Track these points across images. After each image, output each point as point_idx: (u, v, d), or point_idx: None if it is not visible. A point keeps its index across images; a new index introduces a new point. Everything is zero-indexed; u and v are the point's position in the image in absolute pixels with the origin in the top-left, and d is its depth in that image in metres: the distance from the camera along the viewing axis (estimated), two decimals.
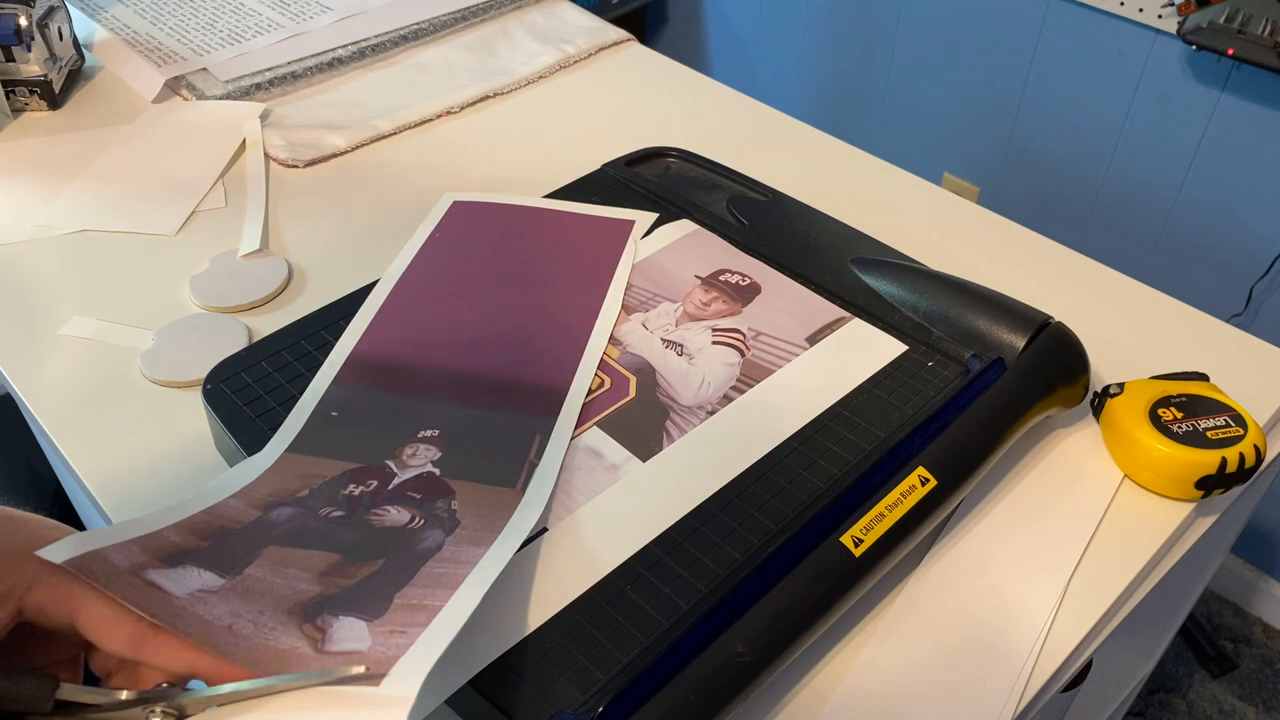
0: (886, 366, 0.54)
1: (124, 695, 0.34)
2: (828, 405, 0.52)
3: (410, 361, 0.54)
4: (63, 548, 0.36)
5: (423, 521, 0.44)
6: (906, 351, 0.55)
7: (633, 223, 0.64)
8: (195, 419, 0.55)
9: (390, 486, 0.47)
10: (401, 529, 0.44)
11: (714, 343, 0.56)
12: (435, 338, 0.56)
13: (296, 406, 0.51)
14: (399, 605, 0.38)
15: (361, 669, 0.33)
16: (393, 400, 0.52)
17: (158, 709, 0.34)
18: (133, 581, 0.37)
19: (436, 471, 0.48)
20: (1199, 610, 1.52)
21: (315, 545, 0.42)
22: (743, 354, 0.55)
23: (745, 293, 0.59)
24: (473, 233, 0.64)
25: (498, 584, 0.44)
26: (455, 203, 0.66)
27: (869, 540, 0.45)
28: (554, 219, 0.65)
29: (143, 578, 0.37)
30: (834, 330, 0.56)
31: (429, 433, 0.50)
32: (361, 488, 0.46)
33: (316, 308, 0.59)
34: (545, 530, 0.46)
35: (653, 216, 0.65)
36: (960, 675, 0.45)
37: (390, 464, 0.48)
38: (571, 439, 0.50)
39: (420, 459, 0.48)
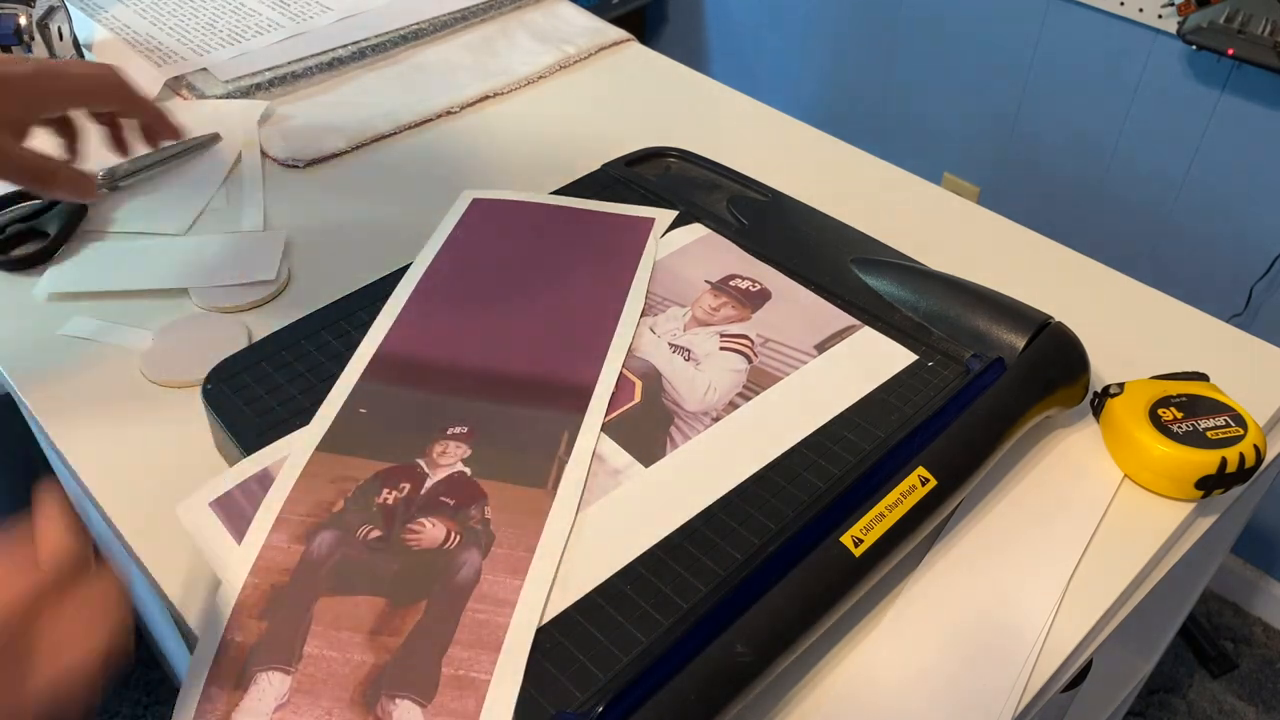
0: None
1: None
2: (833, 415, 0.52)
3: (436, 358, 0.55)
4: None
5: (458, 539, 0.45)
6: (914, 360, 0.55)
7: (653, 220, 0.64)
8: (195, 419, 0.55)
9: (423, 491, 0.47)
10: (438, 550, 0.45)
11: (722, 348, 0.56)
12: (460, 334, 0.56)
13: (325, 402, 0.52)
14: (448, 677, 0.40)
15: None
16: (421, 396, 0.52)
17: None
18: None
19: (467, 471, 0.48)
20: (1199, 610, 1.52)
21: (361, 588, 0.43)
22: (750, 360, 0.55)
23: (755, 299, 0.59)
24: (493, 230, 0.64)
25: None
26: (475, 200, 0.66)
27: (869, 540, 0.45)
28: (574, 216, 0.65)
29: None
30: (843, 338, 0.56)
31: (458, 429, 0.50)
32: (395, 493, 0.47)
33: (316, 308, 0.59)
34: None
35: (672, 214, 0.65)
36: (960, 675, 0.45)
37: (421, 463, 0.48)
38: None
39: (450, 457, 0.49)
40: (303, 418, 0.51)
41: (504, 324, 0.57)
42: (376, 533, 0.45)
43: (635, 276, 0.60)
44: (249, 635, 0.42)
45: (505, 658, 0.41)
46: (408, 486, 0.47)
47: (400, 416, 0.51)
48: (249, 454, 0.49)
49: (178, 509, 0.48)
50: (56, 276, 0.65)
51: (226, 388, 0.53)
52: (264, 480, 0.48)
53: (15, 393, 0.59)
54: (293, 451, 0.49)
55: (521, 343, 0.56)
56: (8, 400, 0.64)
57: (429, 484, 0.48)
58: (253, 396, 0.52)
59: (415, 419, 0.51)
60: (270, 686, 0.40)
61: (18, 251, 0.67)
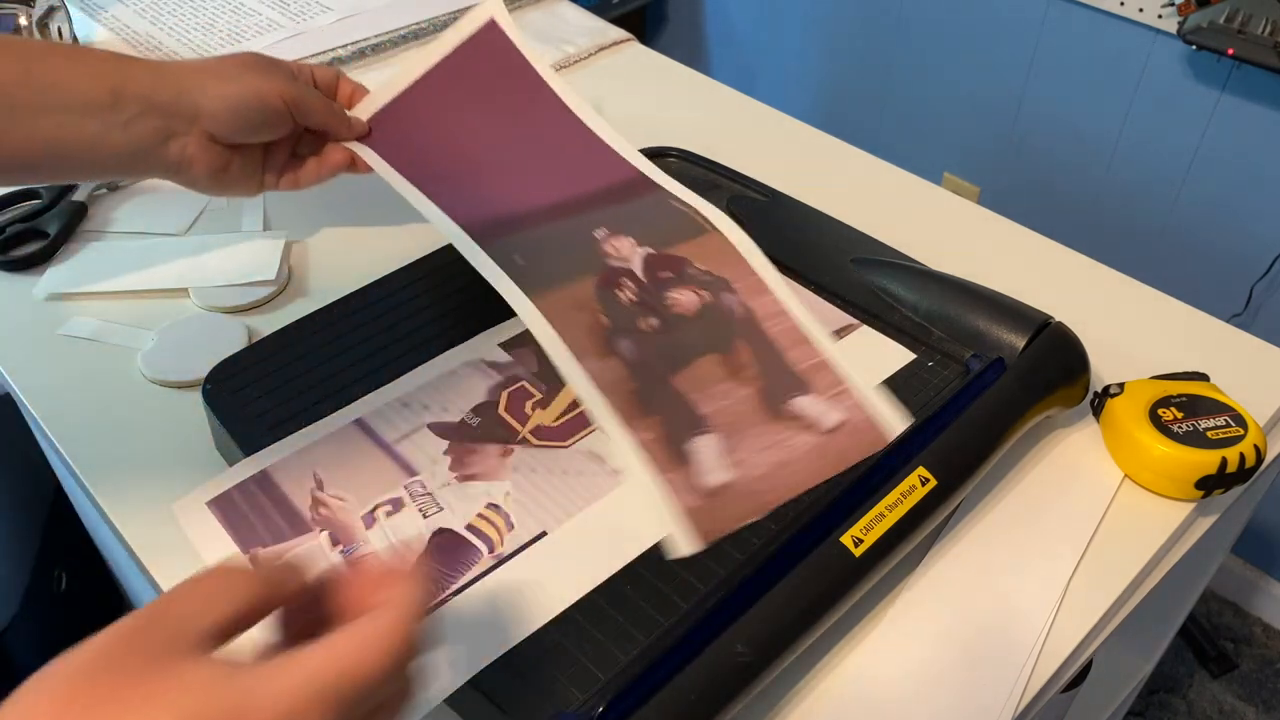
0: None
1: None
2: None
3: (512, 210, 0.55)
4: None
5: (707, 293, 0.49)
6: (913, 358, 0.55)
7: (490, 15, 0.63)
8: (195, 419, 0.55)
9: (642, 277, 0.50)
10: (705, 307, 0.49)
11: None
12: (501, 190, 0.57)
13: (486, 268, 0.50)
14: (804, 371, 0.45)
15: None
16: (545, 231, 0.53)
17: None
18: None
19: (651, 251, 0.51)
20: (1199, 610, 1.52)
21: (689, 356, 0.47)
22: None
23: None
24: (408, 127, 0.62)
25: (499, 585, 0.44)
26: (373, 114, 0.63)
27: (869, 540, 0.45)
28: (447, 71, 0.63)
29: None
30: (842, 337, 0.56)
31: (600, 232, 0.52)
32: (626, 291, 0.50)
33: (316, 308, 0.59)
34: (545, 534, 0.46)
35: None
36: (960, 675, 0.45)
37: (615, 264, 0.51)
38: (568, 448, 0.50)
39: (628, 249, 0.51)
40: (303, 418, 0.51)
41: (518, 175, 0.57)
42: (653, 320, 0.48)
43: (539, 72, 0.61)
44: (654, 430, 0.45)
45: (820, 345, 0.47)
46: (629, 282, 0.50)
47: (552, 250, 0.52)
48: (248, 454, 0.49)
49: (174, 507, 0.48)
50: (56, 276, 0.65)
51: (226, 388, 0.53)
52: (263, 481, 0.48)
53: (15, 393, 0.60)
54: (520, 309, 0.48)
55: (547, 177, 0.57)
56: (8, 400, 0.64)
57: (639, 269, 0.50)
58: (253, 396, 0.52)
59: (563, 246, 0.52)
60: (708, 447, 0.43)
61: (18, 251, 0.67)
